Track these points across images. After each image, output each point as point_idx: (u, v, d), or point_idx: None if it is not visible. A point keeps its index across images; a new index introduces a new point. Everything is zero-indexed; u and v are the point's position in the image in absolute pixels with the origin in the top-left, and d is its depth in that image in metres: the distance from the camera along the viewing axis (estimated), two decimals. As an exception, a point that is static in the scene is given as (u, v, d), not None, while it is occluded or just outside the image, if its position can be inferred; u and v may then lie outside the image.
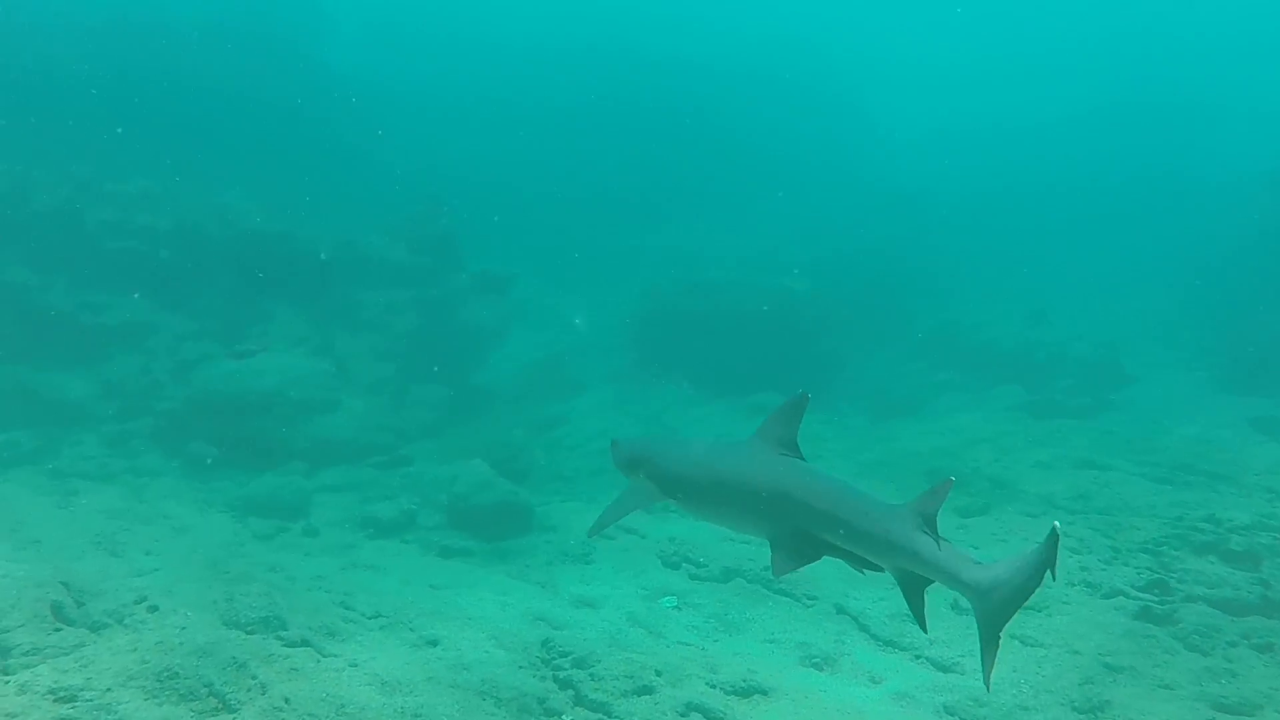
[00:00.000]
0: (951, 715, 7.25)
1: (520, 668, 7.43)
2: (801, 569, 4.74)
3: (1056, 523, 4.24)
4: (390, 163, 24.71)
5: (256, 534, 10.74)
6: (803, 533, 4.74)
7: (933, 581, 4.48)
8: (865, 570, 4.70)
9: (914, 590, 4.56)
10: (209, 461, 12.33)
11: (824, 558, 4.71)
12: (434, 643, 7.79)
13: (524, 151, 31.32)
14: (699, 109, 35.27)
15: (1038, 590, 4.22)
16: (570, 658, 7.51)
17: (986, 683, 4.34)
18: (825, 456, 14.28)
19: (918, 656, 8.19)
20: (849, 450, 15.10)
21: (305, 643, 7.25)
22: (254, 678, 6.47)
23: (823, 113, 39.19)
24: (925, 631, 4.87)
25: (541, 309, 21.36)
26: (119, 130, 16.11)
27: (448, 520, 11.56)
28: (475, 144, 29.89)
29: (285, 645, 7.21)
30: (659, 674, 7.33)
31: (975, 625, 4.34)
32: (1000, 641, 4.30)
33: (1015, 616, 4.28)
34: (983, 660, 4.33)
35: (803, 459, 4.99)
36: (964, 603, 5.65)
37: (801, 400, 5.05)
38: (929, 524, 4.44)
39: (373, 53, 33.89)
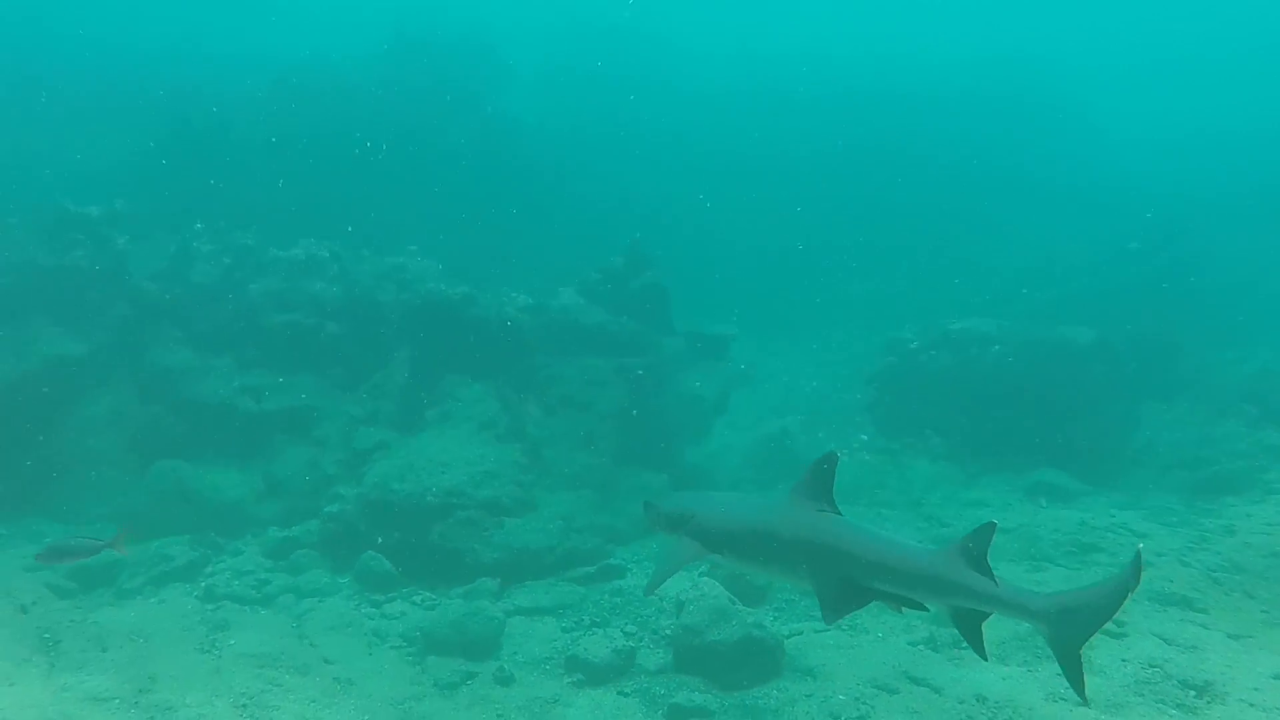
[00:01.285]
0: None
1: None
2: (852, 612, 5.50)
3: (1140, 545, 5.40)
4: (580, 214, 23.34)
5: (438, 682, 8.95)
6: (848, 581, 5.37)
7: (988, 615, 5.26)
8: (904, 610, 5.46)
9: (971, 625, 5.29)
10: (382, 577, 10.63)
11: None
12: None
13: (716, 199, 29.43)
14: (900, 140, 32.39)
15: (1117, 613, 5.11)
16: None
17: (1081, 696, 5.30)
18: (1156, 563, 11.27)
19: None
20: (1183, 547, 11.97)
21: None
22: None
23: (1047, 132, 35.42)
24: (986, 659, 5.64)
25: (762, 374, 19.09)
26: (280, 184, 15.20)
27: (675, 662, 9.35)
28: (666, 190, 28.21)
29: None
30: None
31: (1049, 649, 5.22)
32: (1080, 660, 5.15)
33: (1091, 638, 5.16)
34: (1069, 679, 5.22)
35: (839, 513, 5.64)
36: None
37: (832, 458, 5.78)
38: (978, 564, 5.13)
39: (552, 100, 33.07)
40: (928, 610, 5.45)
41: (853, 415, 18.69)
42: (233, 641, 9.13)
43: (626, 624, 10.29)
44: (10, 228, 14.38)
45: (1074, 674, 5.17)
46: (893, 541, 5.46)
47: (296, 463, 12.94)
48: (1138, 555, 4.84)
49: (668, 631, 10.02)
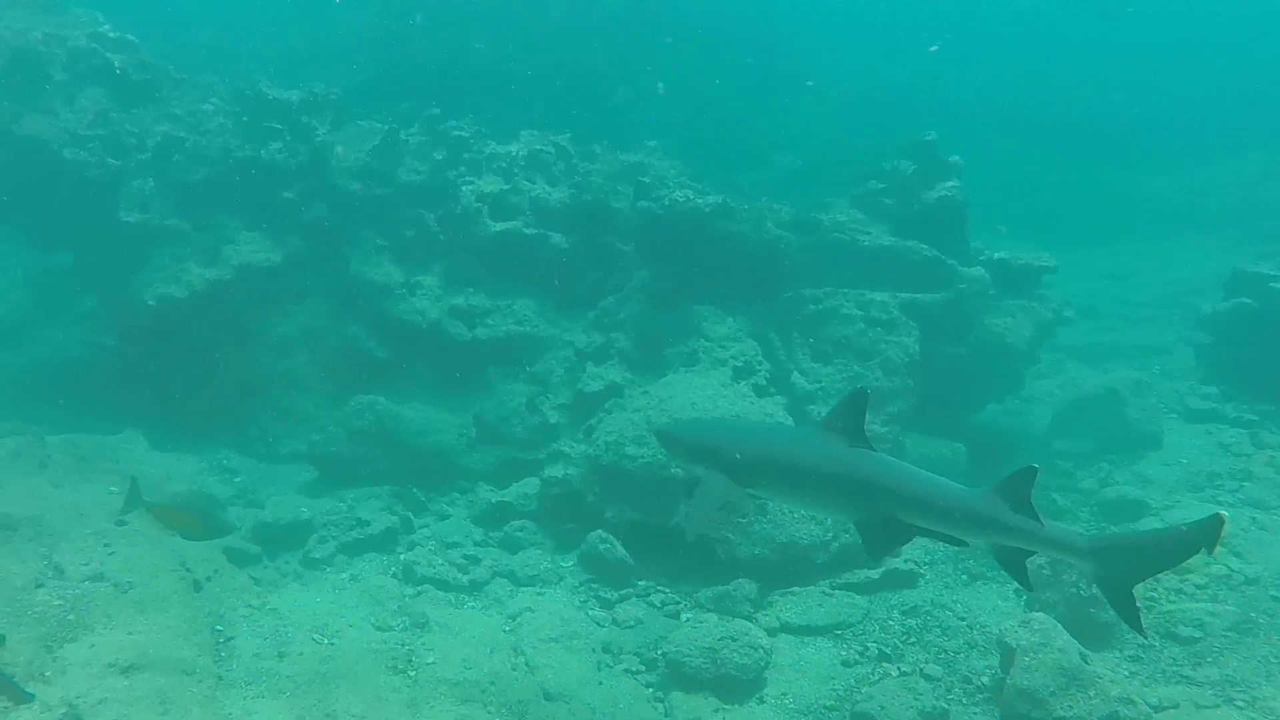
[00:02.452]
0: None
1: None
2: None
3: (1224, 513, 5.17)
4: (847, 104, 20.67)
5: (690, 737, 7.04)
6: (891, 518, 5.61)
7: (1032, 554, 5.55)
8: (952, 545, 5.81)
9: (1015, 562, 5.58)
10: (614, 567, 8.96)
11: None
12: None
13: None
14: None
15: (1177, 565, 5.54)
16: None
17: (1140, 631, 5.65)
18: None
19: None
20: None
21: None
22: None
23: None
24: (1031, 590, 7.26)
25: (1081, 311, 15.99)
26: (501, 65, 13.43)
27: (1008, 728, 7.23)
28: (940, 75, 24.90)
29: None
30: None
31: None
32: (1134, 599, 5.41)
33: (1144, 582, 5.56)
34: (1122, 616, 5.51)
35: (873, 449, 5.81)
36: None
37: (863, 394, 5.85)
38: (1021, 505, 5.42)
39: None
40: (966, 545, 5.84)
41: (1179, 367, 15.52)
42: (431, 659, 7.70)
43: (926, 660, 8.24)
44: (204, 115, 13.32)
45: (1127, 612, 5.46)
46: (933, 479, 5.73)
47: (512, 403, 11.47)
48: (1215, 517, 5.13)
49: (985, 680, 7.88)
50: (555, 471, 10.10)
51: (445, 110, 13.85)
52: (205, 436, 12.34)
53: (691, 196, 11.60)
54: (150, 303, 12.00)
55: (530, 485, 10.47)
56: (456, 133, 13.10)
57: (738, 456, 6.04)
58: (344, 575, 9.31)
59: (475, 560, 9.52)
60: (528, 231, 12.40)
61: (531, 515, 10.13)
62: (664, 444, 6.77)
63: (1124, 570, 5.36)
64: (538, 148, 13.15)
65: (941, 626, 8.70)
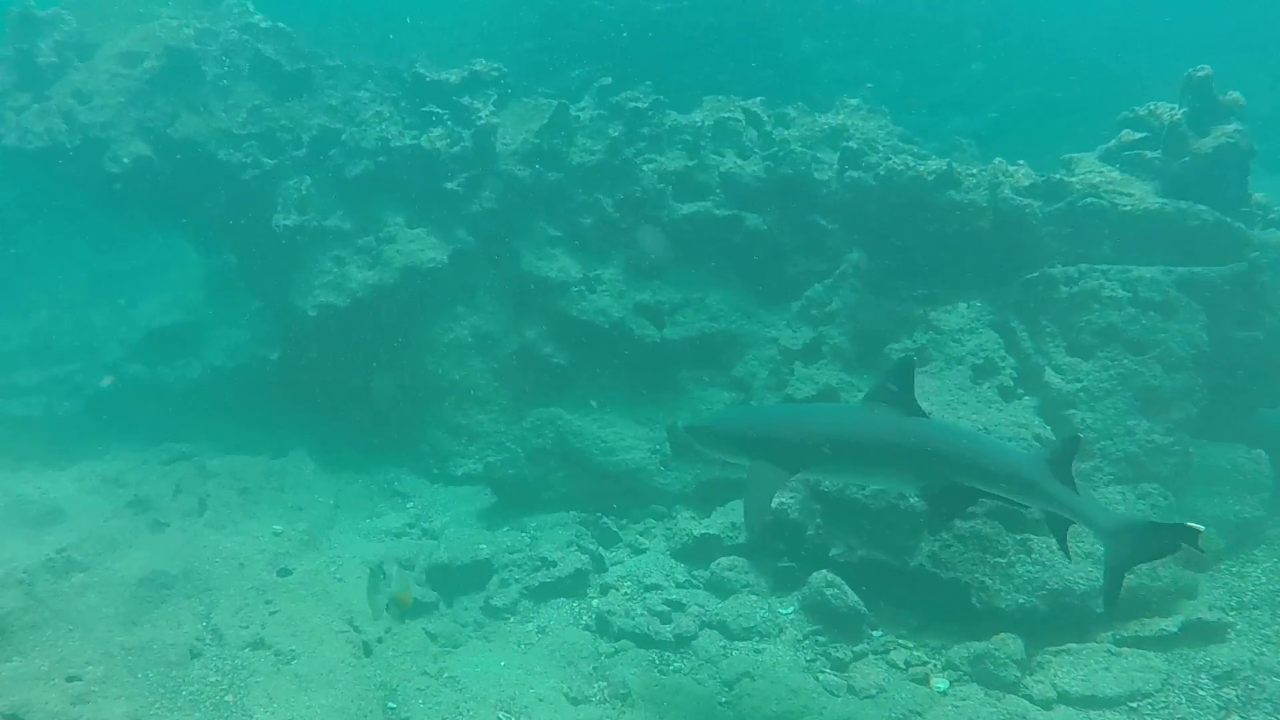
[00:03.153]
0: None
1: None
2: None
3: (1200, 527, 5.33)
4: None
5: None
6: (951, 483, 5.77)
7: (1073, 522, 5.81)
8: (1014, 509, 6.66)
9: (1059, 528, 5.96)
10: (845, 617, 7.99)
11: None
12: None
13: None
14: None
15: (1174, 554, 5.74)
16: None
17: (1105, 607, 6.03)
18: None
19: None
20: None
21: None
22: None
23: None
24: (1070, 560, 7.03)
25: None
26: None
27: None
28: None
29: None
30: None
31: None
32: (1123, 580, 5.74)
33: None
34: (1104, 591, 5.84)
35: (926, 416, 6.05)
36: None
37: (910, 362, 6.30)
38: (1062, 472, 5.69)
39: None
40: (1028, 509, 6.30)
41: None
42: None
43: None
44: (360, 103, 12.65)
45: (1111, 589, 5.71)
46: (990, 443, 6.22)
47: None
48: (1189, 527, 5.31)
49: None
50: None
51: (618, 79, 12.73)
52: (374, 454, 11.78)
53: (911, 163, 10.10)
54: (311, 313, 11.45)
55: (738, 512, 9.32)
56: (633, 104, 11.96)
57: (787, 445, 6.15)
58: (530, 626, 8.43)
59: (679, 606, 8.45)
60: (719, 213, 11.18)
61: (741, 550, 8.98)
62: (698, 439, 6.75)
63: (1130, 552, 5.62)
64: (725, 115, 11.87)
65: (1273, 699, 7.09)
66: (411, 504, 10.89)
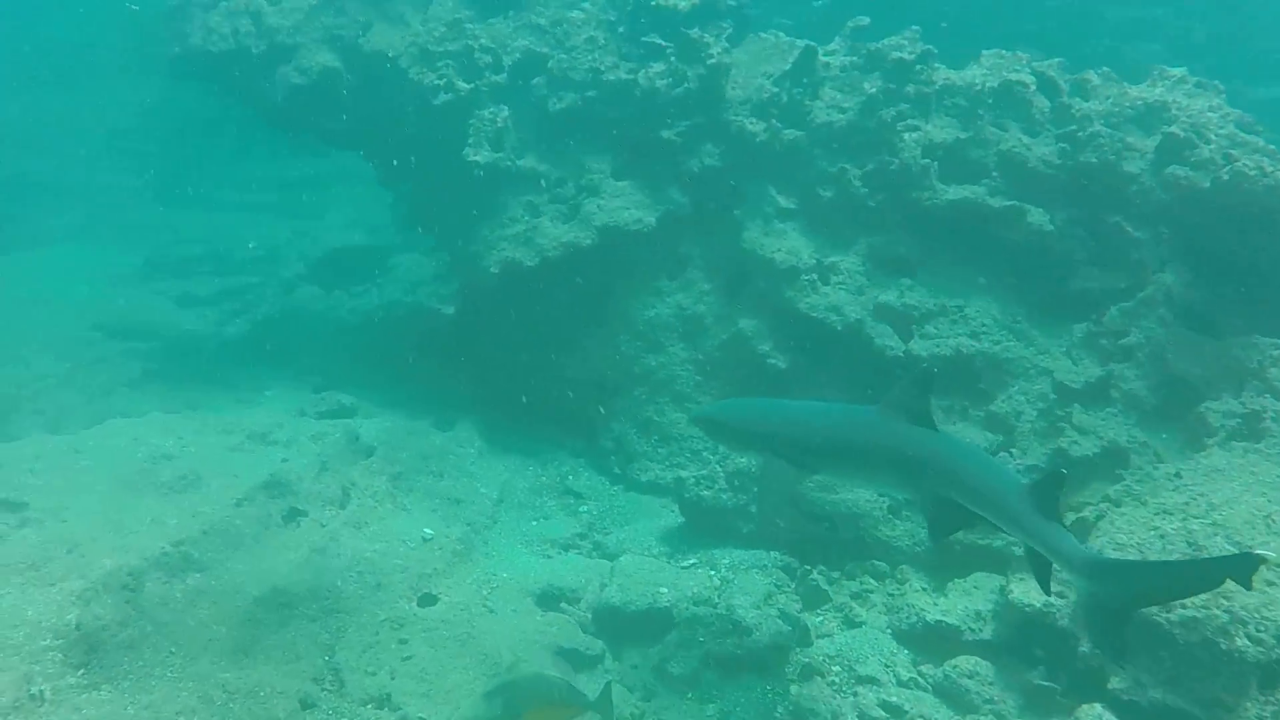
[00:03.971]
0: None
1: None
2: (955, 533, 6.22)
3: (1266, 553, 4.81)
4: None
5: None
6: (949, 501, 5.68)
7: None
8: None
9: (1040, 567, 5.52)
10: None
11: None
12: None
13: None
14: None
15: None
16: None
17: (1117, 663, 5.91)
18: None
19: None
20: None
21: None
22: None
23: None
24: (1049, 595, 6.00)
25: None
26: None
27: None
28: None
29: None
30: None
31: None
32: (1119, 628, 5.22)
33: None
34: (1098, 645, 5.90)
35: (936, 429, 5.92)
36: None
37: (929, 374, 6.28)
38: (1045, 505, 5.33)
39: None
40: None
41: None
42: None
43: None
44: (573, 25, 11.13)
45: (1106, 641, 5.35)
46: (991, 465, 5.93)
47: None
48: (1248, 555, 4.86)
49: None
50: (1025, 589, 7.12)
51: (879, 20, 10.78)
52: (550, 440, 10.52)
53: (1269, 166, 7.88)
54: (493, 270, 10.14)
55: (984, 594, 7.56)
56: (896, 54, 10.00)
57: (795, 444, 6.20)
58: (709, 710, 6.97)
59: (899, 713, 6.83)
60: (994, 202, 9.17)
61: (985, 649, 7.24)
62: (706, 429, 6.85)
63: (1120, 595, 5.17)
64: (1010, 76, 9.76)
65: None
66: (586, 508, 9.57)
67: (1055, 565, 5.42)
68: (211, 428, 10.17)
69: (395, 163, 12.21)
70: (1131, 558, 6.43)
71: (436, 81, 11.22)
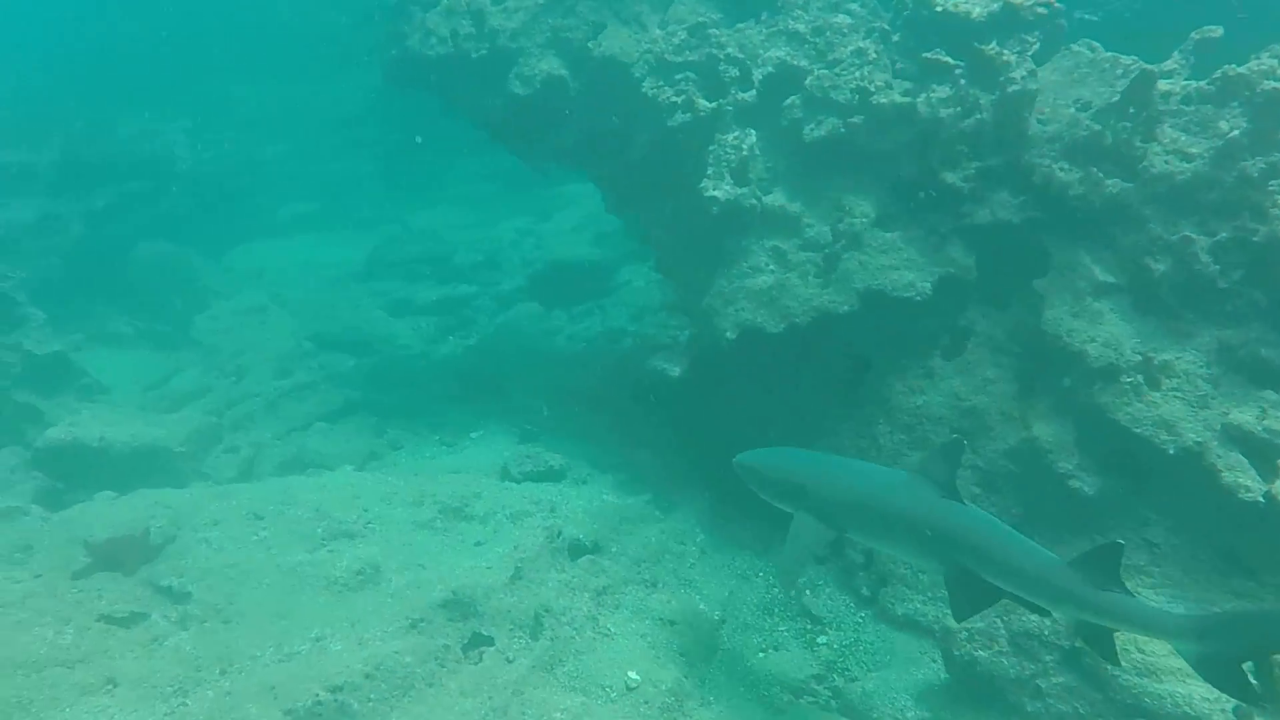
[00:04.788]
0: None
1: None
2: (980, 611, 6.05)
3: None
4: None
5: None
6: (975, 577, 5.68)
7: (1117, 631, 5.54)
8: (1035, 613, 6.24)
9: (1101, 640, 5.55)
10: None
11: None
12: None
13: None
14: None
15: None
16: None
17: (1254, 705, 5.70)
18: None
19: None
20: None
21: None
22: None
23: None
24: (1119, 665, 6.18)
25: None
26: None
27: None
28: None
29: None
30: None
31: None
32: (1243, 675, 5.19)
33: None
34: (1232, 695, 5.38)
35: (962, 501, 5.91)
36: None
37: (958, 443, 6.17)
38: (1107, 580, 5.33)
39: None
40: (1051, 615, 6.19)
41: None
42: None
43: None
44: (837, 33, 9.40)
45: (1236, 689, 5.26)
46: (1020, 542, 5.71)
47: None
48: None
49: None
50: None
51: (1232, 28, 8.49)
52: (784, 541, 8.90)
53: None
54: (729, 334, 8.58)
55: None
56: (1268, 82, 7.73)
57: (825, 501, 6.27)
58: None
59: None
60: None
61: None
62: (745, 476, 6.86)
63: (1232, 649, 5.20)
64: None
65: None
66: (825, 639, 7.90)
67: (1148, 635, 5.55)
68: (402, 497, 9.14)
69: (623, 191, 10.88)
70: (1233, 611, 6.37)
71: (674, 98, 9.73)
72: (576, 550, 8.33)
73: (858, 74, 9.06)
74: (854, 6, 9.92)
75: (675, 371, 9.48)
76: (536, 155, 11.53)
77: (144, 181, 17.89)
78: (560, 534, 8.32)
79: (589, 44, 10.62)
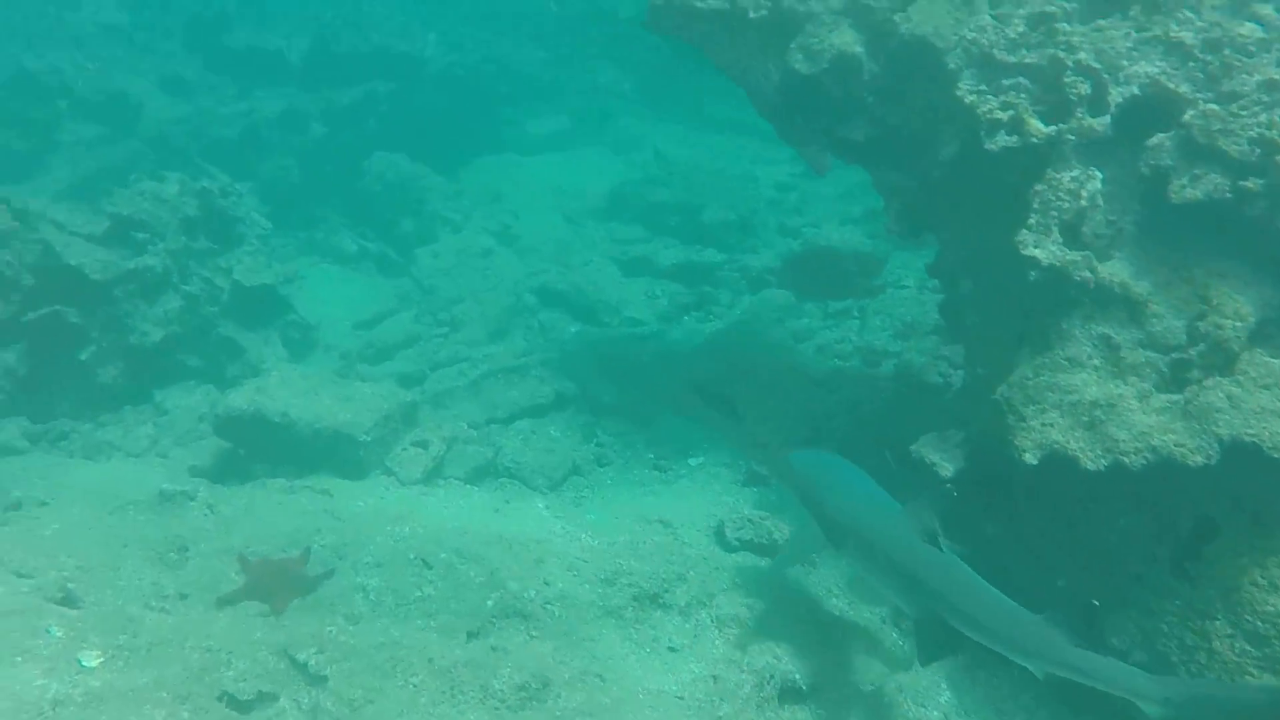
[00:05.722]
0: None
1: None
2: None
3: None
4: None
5: None
6: (943, 624, 5.89)
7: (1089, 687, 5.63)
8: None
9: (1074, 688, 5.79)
10: None
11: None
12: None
13: None
14: None
15: None
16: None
17: None
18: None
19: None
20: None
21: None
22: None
23: None
24: None
25: None
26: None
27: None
28: None
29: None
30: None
31: None
32: None
33: None
34: None
35: (942, 548, 6.06)
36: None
37: (947, 493, 6.57)
38: (1083, 637, 5.52)
39: None
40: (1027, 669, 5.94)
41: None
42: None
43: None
44: (1241, 46, 6.90)
45: None
46: (991, 596, 5.80)
47: None
48: None
49: None
50: None
51: None
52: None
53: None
54: (1028, 457, 6.58)
55: None
56: None
57: (828, 518, 6.74)
58: None
59: None
60: None
61: None
62: (784, 473, 7.73)
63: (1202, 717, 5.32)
64: None
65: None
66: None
67: (1114, 692, 5.56)
68: (592, 569, 7.70)
69: (914, 208, 8.83)
70: (1208, 680, 6.00)
71: (997, 113, 7.53)
72: (790, 695, 6.74)
73: (1263, 118, 6.68)
74: (1268, 10, 7.44)
75: (947, 470, 7.55)
76: (813, 143, 9.59)
77: (391, 82, 16.94)
78: (773, 677, 6.71)
79: (895, 16, 8.51)
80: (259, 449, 9.55)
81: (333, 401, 9.68)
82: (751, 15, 9.02)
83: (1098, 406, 6.54)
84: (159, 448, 10.27)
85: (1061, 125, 7.31)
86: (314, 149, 15.81)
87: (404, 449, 9.71)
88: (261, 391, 9.64)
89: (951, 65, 7.99)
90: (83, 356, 10.66)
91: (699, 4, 9.26)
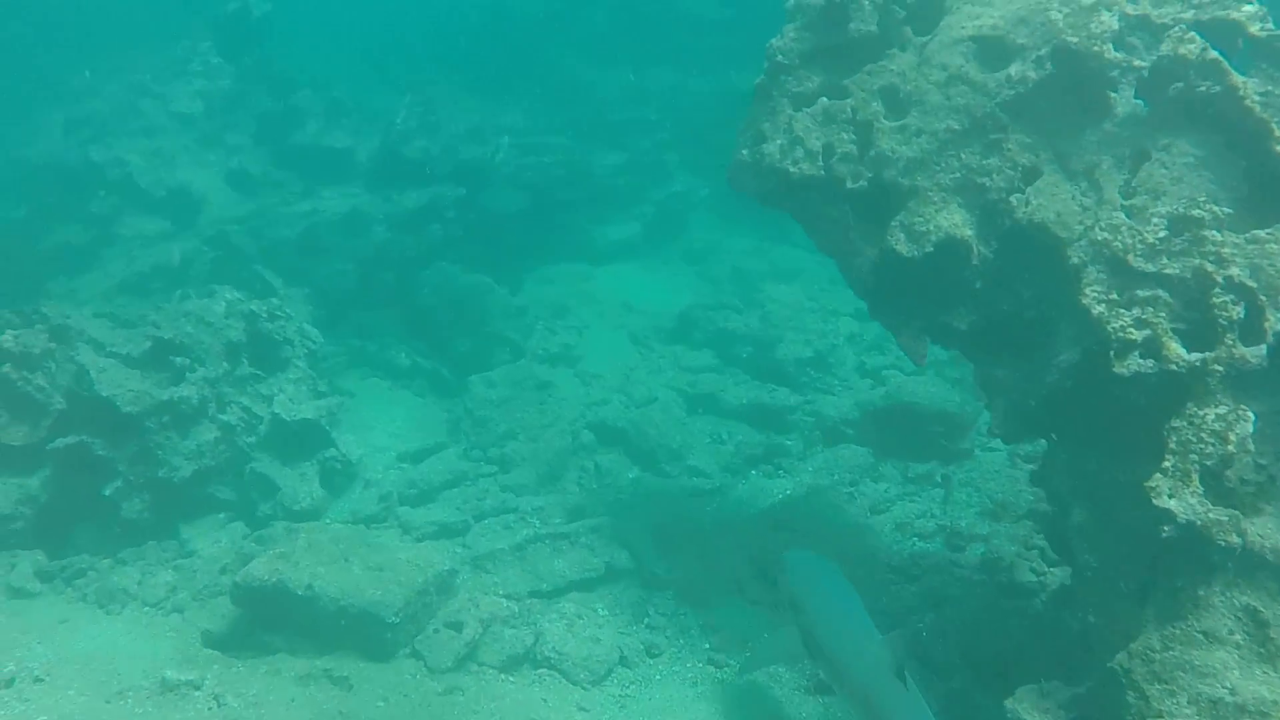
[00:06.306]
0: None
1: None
2: None
3: None
4: None
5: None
6: None
7: None
8: None
9: None
10: None
11: None
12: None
13: None
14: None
15: None
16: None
17: None
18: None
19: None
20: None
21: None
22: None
23: None
24: None
25: None
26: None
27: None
28: None
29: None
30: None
31: None
32: None
33: None
34: None
35: (906, 689, 6.09)
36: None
37: (916, 633, 7.27)
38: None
39: None
40: None
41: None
42: None
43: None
44: None
45: None
46: None
47: None
48: None
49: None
50: None
51: None
52: None
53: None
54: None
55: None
56: None
57: (808, 631, 6.88)
58: None
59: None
60: None
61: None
62: (777, 569, 7.83)
63: None
64: None
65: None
66: None
67: None
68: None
69: (1023, 414, 7.81)
70: None
71: (1131, 331, 6.56)
72: None
73: None
74: None
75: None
76: (909, 327, 8.63)
77: (459, 186, 16.30)
78: None
79: (1011, 197, 7.57)
80: (279, 621, 8.71)
81: (362, 573, 8.81)
82: (849, 185, 8.15)
83: (1244, 713, 5.47)
84: (175, 599, 9.49)
85: (1207, 353, 6.31)
86: (374, 254, 15.14)
87: (436, 630, 8.79)
88: (285, 559, 8.80)
89: (1074, 260, 7.02)
90: (107, 492, 10.04)
91: (791, 169, 8.39)
